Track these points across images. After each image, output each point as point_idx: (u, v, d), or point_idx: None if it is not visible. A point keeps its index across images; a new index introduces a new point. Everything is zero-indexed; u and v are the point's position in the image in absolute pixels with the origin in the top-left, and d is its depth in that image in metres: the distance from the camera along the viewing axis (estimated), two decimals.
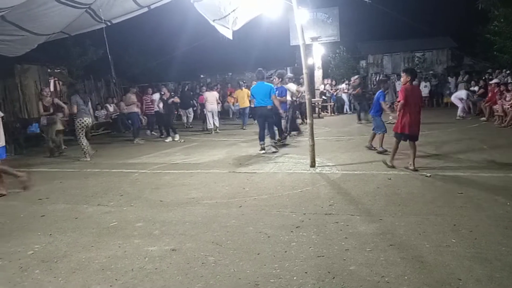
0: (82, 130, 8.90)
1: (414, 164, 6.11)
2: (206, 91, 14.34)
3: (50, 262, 3.48)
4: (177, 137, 11.71)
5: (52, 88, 15.82)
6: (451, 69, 21.22)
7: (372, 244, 3.43)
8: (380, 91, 8.09)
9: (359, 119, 13.44)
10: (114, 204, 5.25)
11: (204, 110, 13.94)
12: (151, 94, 13.37)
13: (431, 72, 21.12)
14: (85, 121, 8.88)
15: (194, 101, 16.94)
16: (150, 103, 13.30)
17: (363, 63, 23.57)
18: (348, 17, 19.72)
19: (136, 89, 13.33)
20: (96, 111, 14.89)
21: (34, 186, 6.55)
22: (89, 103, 9.32)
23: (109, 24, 7.46)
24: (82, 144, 8.95)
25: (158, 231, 4.10)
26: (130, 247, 3.72)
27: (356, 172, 6.22)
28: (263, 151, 8.48)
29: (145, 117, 13.87)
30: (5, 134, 11.55)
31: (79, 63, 16.75)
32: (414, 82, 6.44)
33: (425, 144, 8.24)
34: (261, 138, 8.65)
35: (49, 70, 15.93)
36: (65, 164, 8.69)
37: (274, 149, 8.54)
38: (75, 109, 8.81)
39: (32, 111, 14.20)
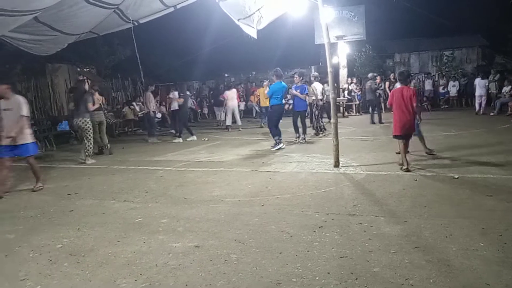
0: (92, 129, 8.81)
1: (404, 162, 6.16)
2: (226, 90, 14.51)
3: (78, 256, 3.59)
4: (177, 140, 11.69)
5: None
6: (482, 68, 20.56)
7: (397, 246, 3.38)
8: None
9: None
10: (140, 201, 5.36)
11: (226, 107, 14.17)
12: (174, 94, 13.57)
13: (461, 71, 20.53)
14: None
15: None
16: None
17: (389, 61, 23.15)
18: (374, 14, 19.39)
19: (153, 87, 13.45)
20: (123, 109, 15.22)
21: (64, 182, 6.78)
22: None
23: (136, 24, 7.61)
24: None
25: (182, 228, 4.16)
26: (154, 243, 3.79)
27: (381, 173, 6.13)
28: (280, 145, 8.89)
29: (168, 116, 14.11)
30: (36, 132, 12.03)
31: (108, 62, 17.15)
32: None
33: (453, 145, 8.04)
34: (279, 134, 9.02)
35: (78, 69, 16.37)
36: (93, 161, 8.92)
37: (274, 147, 8.90)
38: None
39: (62, 109, 14.64)
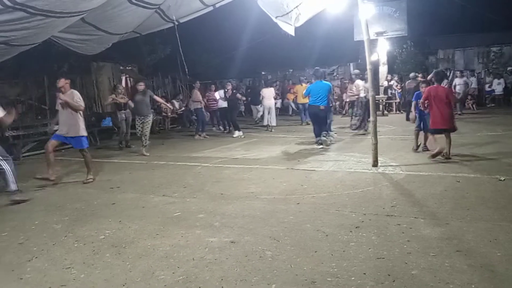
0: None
1: (449, 152, 6.71)
2: (264, 87, 14.48)
3: (119, 247, 3.74)
4: (236, 134, 11.90)
5: (123, 85, 16.82)
6: None
7: (437, 248, 3.27)
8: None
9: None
10: (178, 195, 5.50)
11: (262, 106, 14.15)
12: (214, 91, 13.76)
13: (510, 68, 19.43)
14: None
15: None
16: (212, 100, 13.69)
17: (432, 58, 22.27)
18: (417, 9, 18.71)
19: (199, 84, 13.73)
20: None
21: (107, 176, 7.07)
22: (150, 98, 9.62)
23: (176, 23, 7.77)
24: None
25: (218, 223, 4.23)
26: (192, 237, 3.88)
27: (421, 173, 5.94)
28: (321, 146, 8.72)
29: (208, 113, 14.33)
30: None
31: (149, 60, 17.64)
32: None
33: (500, 145, 7.66)
34: (317, 135, 8.85)
35: (121, 68, 16.95)
36: (134, 156, 9.24)
37: (320, 146, 8.70)
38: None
39: (106, 106, 15.22)
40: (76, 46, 8.12)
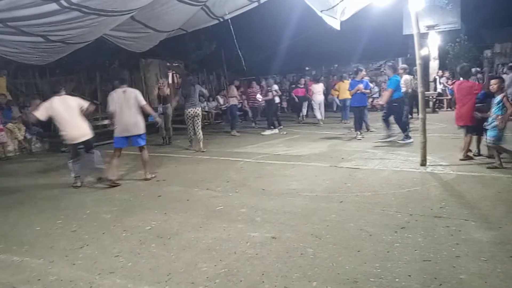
0: (187, 121, 9.19)
1: (464, 154, 6.57)
2: (313, 83, 14.48)
3: (164, 238, 3.86)
4: (267, 132, 11.86)
5: (170, 81, 17.29)
6: None
7: (488, 253, 3.11)
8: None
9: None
10: (221, 190, 5.59)
11: (312, 102, 14.35)
12: (254, 88, 13.90)
13: None
14: (188, 112, 9.06)
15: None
16: (254, 96, 13.82)
17: (487, 52, 21.02)
18: (471, 1, 17.73)
19: (238, 82, 13.93)
20: (208, 102, 15.89)
21: (154, 169, 7.31)
22: (199, 93, 9.25)
23: (221, 20, 7.88)
24: (189, 134, 9.32)
25: (260, 218, 4.25)
26: (234, 231, 3.93)
27: (473, 174, 5.65)
28: (410, 140, 8.65)
29: (250, 110, 14.52)
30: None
31: (194, 57, 18.01)
32: None
33: None
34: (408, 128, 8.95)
35: (168, 64, 17.43)
36: (180, 151, 9.49)
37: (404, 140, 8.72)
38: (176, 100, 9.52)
39: (153, 101, 15.73)
40: (126, 44, 8.46)
